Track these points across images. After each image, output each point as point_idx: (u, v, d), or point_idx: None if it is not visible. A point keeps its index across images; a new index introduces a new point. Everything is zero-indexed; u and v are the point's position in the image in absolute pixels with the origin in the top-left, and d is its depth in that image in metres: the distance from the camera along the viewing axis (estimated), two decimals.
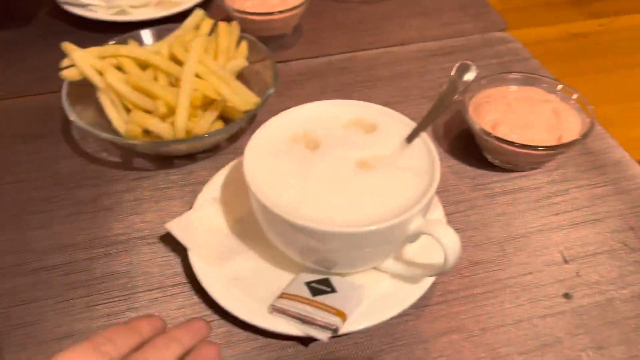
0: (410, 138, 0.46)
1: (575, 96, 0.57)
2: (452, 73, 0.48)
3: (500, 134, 0.54)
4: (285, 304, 0.42)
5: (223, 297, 0.44)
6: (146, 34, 0.66)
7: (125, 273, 0.49)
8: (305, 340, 0.43)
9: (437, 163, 0.43)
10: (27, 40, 0.78)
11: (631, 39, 0.77)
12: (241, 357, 0.43)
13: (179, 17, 0.74)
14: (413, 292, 0.44)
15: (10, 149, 0.61)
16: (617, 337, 0.44)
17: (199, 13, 0.65)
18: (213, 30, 0.64)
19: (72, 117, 0.55)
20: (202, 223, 0.49)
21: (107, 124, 0.58)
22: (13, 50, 0.77)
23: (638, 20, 0.81)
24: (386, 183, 0.43)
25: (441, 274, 0.43)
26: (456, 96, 0.46)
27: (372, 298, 0.44)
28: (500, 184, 0.56)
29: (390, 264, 0.45)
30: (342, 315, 0.41)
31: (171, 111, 0.55)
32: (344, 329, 0.41)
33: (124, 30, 0.65)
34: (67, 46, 0.58)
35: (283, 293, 0.43)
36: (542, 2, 0.86)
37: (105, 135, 0.54)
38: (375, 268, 0.46)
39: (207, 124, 0.57)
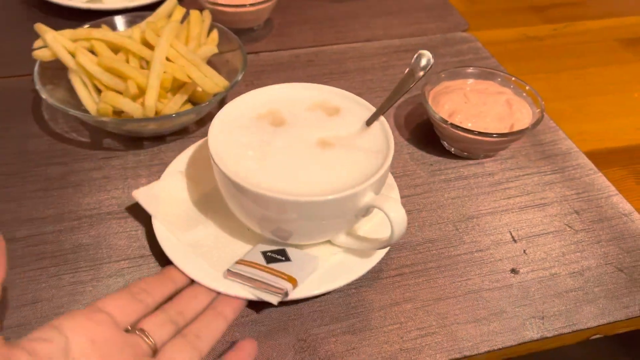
0: (369, 121, 0.49)
1: (527, 88, 0.61)
2: (412, 61, 0.51)
3: (456, 122, 0.57)
4: (241, 269, 0.44)
5: (183, 262, 0.45)
6: (119, 20, 0.67)
7: (92, 245, 0.50)
8: (259, 306, 0.45)
9: (392, 144, 0.46)
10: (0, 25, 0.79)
11: (582, 43, 0.82)
12: None
13: (153, 7, 0.75)
14: (365, 264, 0.47)
15: None
16: (558, 308, 0.47)
17: (171, 1, 0.67)
18: (185, 18, 0.66)
19: (44, 95, 0.56)
20: (167, 193, 0.51)
21: (77, 104, 0.59)
22: None
23: (588, 25, 0.86)
24: (343, 160, 0.45)
25: (388, 245, 0.45)
26: (413, 83, 0.49)
27: (325, 268, 0.46)
28: (456, 170, 0.60)
29: (343, 238, 0.47)
30: (292, 281, 0.43)
31: (142, 92, 0.57)
32: (295, 294, 0.44)
33: (97, 18, 0.66)
34: (40, 27, 0.59)
35: (240, 260, 0.46)
36: (503, 7, 0.90)
37: (75, 112, 0.55)
38: (330, 242, 0.48)
39: (176, 106, 0.58)
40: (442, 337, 0.45)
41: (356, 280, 0.47)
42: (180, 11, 0.66)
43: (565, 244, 0.53)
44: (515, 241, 0.53)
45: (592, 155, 0.62)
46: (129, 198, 0.54)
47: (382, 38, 0.80)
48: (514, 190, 0.58)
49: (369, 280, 0.48)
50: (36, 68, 0.59)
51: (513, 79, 0.62)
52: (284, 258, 0.46)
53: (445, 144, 0.61)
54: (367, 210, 0.44)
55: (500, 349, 0.45)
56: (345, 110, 0.50)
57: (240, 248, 0.48)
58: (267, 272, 0.44)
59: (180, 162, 0.54)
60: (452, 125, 0.56)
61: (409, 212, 0.54)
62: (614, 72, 0.77)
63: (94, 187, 0.56)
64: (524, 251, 0.52)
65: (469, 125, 0.57)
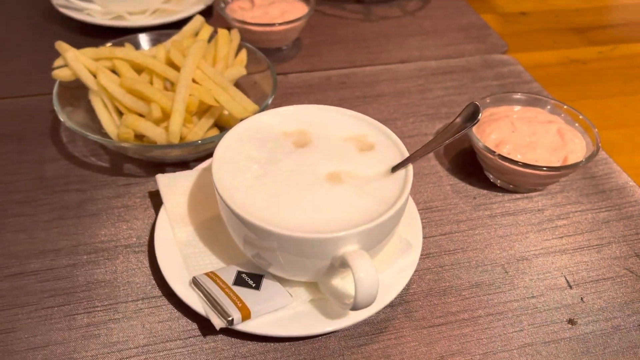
0: (395, 168, 0.44)
1: (580, 117, 0.56)
2: (458, 116, 0.45)
3: (504, 153, 0.53)
4: (204, 281, 0.42)
5: (164, 257, 0.45)
6: (143, 39, 0.64)
7: (108, 282, 0.46)
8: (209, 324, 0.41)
9: (404, 197, 0.41)
10: (19, 41, 0.77)
11: (630, 67, 0.77)
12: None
13: (178, 25, 0.73)
14: (341, 320, 0.42)
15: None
16: None
17: (198, 19, 0.63)
18: (212, 37, 0.63)
19: (62, 117, 0.53)
20: (185, 186, 0.51)
21: (97, 127, 0.56)
22: (2, 50, 0.74)
23: (636, 49, 0.81)
24: (343, 201, 0.41)
25: (353, 309, 0.39)
26: (458, 134, 0.44)
27: (297, 311, 0.42)
28: (502, 205, 0.55)
29: (323, 284, 0.43)
30: (245, 312, 0.40)
31: (166, 116, 0.53)
32: (244, 327, 0.41)
33: (120, 36, 0.64)
34: (61, 45, 0.56)
35: (210, 272, 0.44)
36: (542, 28, 0.86)
37: (95, 137, 0.51)
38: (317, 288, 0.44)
39: (202, 131, 0.55)
40: None
41: (395, 328, 0.42)
42: (207, 30, 0.62)
43: (627, 291, 0.48)
44: (570, 287, 0.48)
45: None
46: (148, 228, 0.50)
47: (418, 59, 0.76)
48: (565, 228, 0.53)
49: (411, 330, 0.43)
50: (55, 89, 0.56)
51: (565, 107, 0.57)
52: (254, 285, 0.43)
53: (490, 175, 0.57)
54: (344, 263, 0.38)
55: None
56: (378, 149, 0.46)
57: (222, 262, 0.46)
58: (226, 294, 0.41)
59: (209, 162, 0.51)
60: (500, 156, 0.52)
61: (453, 251, 0.50)
62: None
63: (112, 216, 0.52)
64: (582, 299, 0.47)
65: (518, 157, 0.52)
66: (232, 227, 0.41)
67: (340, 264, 0.39)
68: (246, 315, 0.40)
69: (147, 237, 0.50)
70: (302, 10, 0.75)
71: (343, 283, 0.43)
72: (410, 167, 0.43)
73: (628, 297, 0.47)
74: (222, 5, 0.75)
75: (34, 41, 0.76)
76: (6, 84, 0.68)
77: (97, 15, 0.76)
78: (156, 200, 0.53)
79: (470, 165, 0.59)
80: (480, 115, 0.42)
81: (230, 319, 0.40)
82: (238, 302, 0.41)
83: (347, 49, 0.78)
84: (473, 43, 0.80)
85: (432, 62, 0.76)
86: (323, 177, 0.42)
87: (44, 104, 0.64)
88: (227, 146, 0.44)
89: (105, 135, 0.55)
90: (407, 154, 0.44)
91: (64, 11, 0.76)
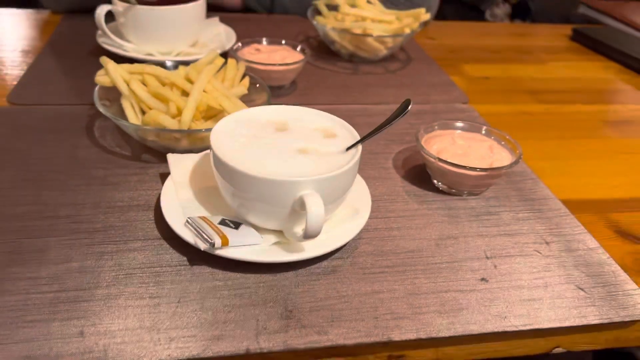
0: (349, 148, 0.58)
1: (507, 137, 0.70)
2: (396, 110, 0.60)
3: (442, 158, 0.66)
4: (195, 220, 0.55)
5: (167, 208, 0.58)
6: (168, 63, 0.81)
7: (120, 227, 0.59)
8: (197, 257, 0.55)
9: (352, 163, 0.54)
10: (69, 68, 0.94)
11: (569, 121, 0.92)
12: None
13: None
14: (298, 254, 0.54)
15: (40, 137, 0.73)
16: (520, 311, 0.53)
17: (213, 52, 0.80)
18: (223, 66, 0.79)
19: (100, 107, 0.68)
20: (190, 164, 0.65)
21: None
22: (57, 73, 0.92)
23: (579, 108, 0.97)
24: (307, 164, 0.55)
25: (305, 238, 0.52)
26: (394, 121, 0.58)
27: (263, 247, 0.55)
28: (442, 203, 0.68)
29: (287, 230, 0.56)
30: (224, 240, 0.52)
31: (180, 113, 0.68)
32: (222, 252, 0.53)
33: None
34: (104, 59, 0.72)
35: (202, 216, 0.56)
36: (501, 89, 1.02)
37: (122, 121, 0.66)
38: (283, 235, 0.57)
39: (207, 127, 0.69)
40: (412, 322, 0.51)
41: (341, 272, 0.54)
42: (220, 60, 0.79)
43: (534, 264, 0.59)
44: (487, 258, 0.59)
45: (566, 203, 0.69)
46: (157, 195, 0.64)
47: (391, 103, 0.92)
48: (490, 221, 0.65)
49: (354, 274, 0.55)
50: (96, 91, 0.71)
51: (496, 131, 0.72)
52: (233, 226, 0.55)
53: (434, 181, 0.70)
54: (302, 205, 0.51)
55: (463, 335, 0.50)
56: (339, 137, 0.60)
57: (216, 213, 0.59)
58: (211, 228, 0.54)
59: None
60: (439, 159, 0.65)
61: (395, 228, 0.62)
62: (596, 144, 0.86)
63: (128, 187, 0.65)
64: (495, 266, 0.58)
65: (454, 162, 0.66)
66: (219, 174, 0.54)
67: (299, 205, 0.52)
68: (225, 243, 0.52)
69: (154, 201, 0.63)
70: (300, 57, 0.92)
71: (302, 232, 0.56)
72: (359, 147, 0.57)
73: (533, 268, 0.59)
74: (235, 49, 0.92)
75: (82, 67, 0.94)
76: (59, 96, 0.85)
77: (131, 51, 0.94)
78: (166, 178, 0.67)
79: (421, 175, 0.72)
80: (410, 106, 0.56)
81: (212, 242, 0.52)
82: (220, 233, 0.53)
83: (335, 92, 0.94)
84: (439, 95, 0.96)
85: None
86: (294, 150, 0.56)
87: (84, 110, 0.80)
88: (224, 124, 0.59)
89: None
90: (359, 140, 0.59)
91: (105, 46, 0.94)
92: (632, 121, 0.95)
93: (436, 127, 0.73)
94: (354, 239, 0.59)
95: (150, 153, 0.72)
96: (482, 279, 0.57)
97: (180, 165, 0.64)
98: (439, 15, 1.40)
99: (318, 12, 1.10)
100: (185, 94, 0.72)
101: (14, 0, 1.30)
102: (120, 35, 0.97)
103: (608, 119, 0.94)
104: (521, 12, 1.90)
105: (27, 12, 1.21)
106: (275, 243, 0.56)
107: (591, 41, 1.27)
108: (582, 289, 0.57)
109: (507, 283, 0.56)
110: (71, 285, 0.51)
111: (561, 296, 0.55)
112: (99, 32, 0.97)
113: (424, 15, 1.05)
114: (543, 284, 0.57)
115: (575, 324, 0.53)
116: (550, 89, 1.04)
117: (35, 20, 1.17)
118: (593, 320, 0.53)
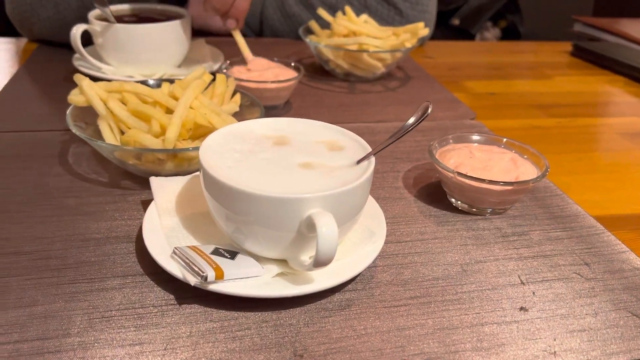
0: (359, 161, 0.50)
1: (530, 150, 0.63)
2: (412, 116, 0.53)
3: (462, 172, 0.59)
4: (184, 249, 0.47)
5: (149, 236, 0.50)
6: (151, 82, 0.73)
7: (95, 263, 0.50)
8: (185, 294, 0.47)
9: (365, 178, 0.46)
10: (41, 92, 0.86)
11: (584, 134, 0.86)
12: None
13: None
14: (306, 286, 0.46)
15: (9, 165, 0.65)
16: (570, 345, 0.45)
17: (200, 69, 0.73)
18: (211, 83, 0.72)
19: (73, 128, 0.60)
20: (175, 188, 0.56)
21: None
22: (28, 99, 0.84)
23: (591, 121, 0.91)
24: (312, 179, 0.47)
25: (315, 266, 0.44)
26: (411, 128, 0.50)
27: (267, 280, 0.46)
28: (463, 223, 0.60)
29: (293, 260, 0.47)
30: (218, 272, 0.44)
31: (164, 131, 0.60)
32: (217, 287, 0.44)
33: None
34: (78, 76, 0.64)
35: (192, 246, 0.48)
36: (509, 104, 0.96)
37: (99, 142, 0.58)
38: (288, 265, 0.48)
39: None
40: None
41: (357, 306, 0.45)
42: (208, 76, 0.71)
43: (577, 289, 0.51)
44: (523, 284, 0.51)
45: (600, 219, 0.62)
46: (138, 225, 0.55)
47: (394, 120, 0.85)
48: (520, 242, 0.57)
49: (372, 308, 0.47)
50: (69, 111, 0.63)
51: (517, 143, 0.65)
52: (229, 256, 0.47)
53: (452, 199, 0.62)
54: (311, 226, 0.43)
55: None
56: (347, 150, 0.52)
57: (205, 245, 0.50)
58: (203, 258, 0.45)
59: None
60: (459, 173, 0.58)
61: (415, 254, 0.54)
62: (618, 157, 0.79)
63: (105, 216, 0.57)
64: (533, 293, 0.50)
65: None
66: (210, 195, 0.46)
67: (307, 227, 0.44)
68: (219, 276, 0.44)
69: (136, 232, 0.55)
70: (293, 74, 0.85)
71: (310, 261, 0.47)
72: (372, 159, 0.49)
73: (577, 294, 0.51)
74: (224, 68, 0.85)
75: (53, 92, 0.86)
76: (27, 122, 0.77)
77: (110, 73, 0.86)
78: (148, 206, 0.58)
79: (435, 193, 0.65)
80: (429, 110, 0.49)
81: (204, 275, 0.43)
82: (213, 264, 0.45)
83: (332, 112, 0.87)
84: (445, 111, 0.90)
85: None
86: (296, 165, 0.49)
87: (56, 136, 0.72)
88: (214, 139, 0.51)
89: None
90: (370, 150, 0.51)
91: (82, 69, 0.87)
92: None
93: (451, 140, 0.66)
94: (368, 267, 0.51)
95: (131, 179, 0.64)
96: (521, 308, 0.49)
97: (165, 189, 0.56)
98: (430, 39, 1.35)
99: (310, 32, 1.05)
100: (169, 111, 0.65)
101: None
102: (99, 58, 0.90)
103: (624, 131, 0.88)
104: (511, 35, 1.87)
105: (1, 40, 1.14)
106: (279, 274, 0.47)
107: (594, 55, 1.23)
108: (637, 316, 0.49)
109: (550, 312, 0.48)
110: (34, 334, 0.42)
111: (615, 324, 0.47)
112: (76, 55, 0.90)
113: (422, 30, 0.99)
114: (592, 312, 0.49)
115: (637, 357, 0.45)
116: (560, 103, 0.98)
117: (8, 50, 1.09)
118: None
